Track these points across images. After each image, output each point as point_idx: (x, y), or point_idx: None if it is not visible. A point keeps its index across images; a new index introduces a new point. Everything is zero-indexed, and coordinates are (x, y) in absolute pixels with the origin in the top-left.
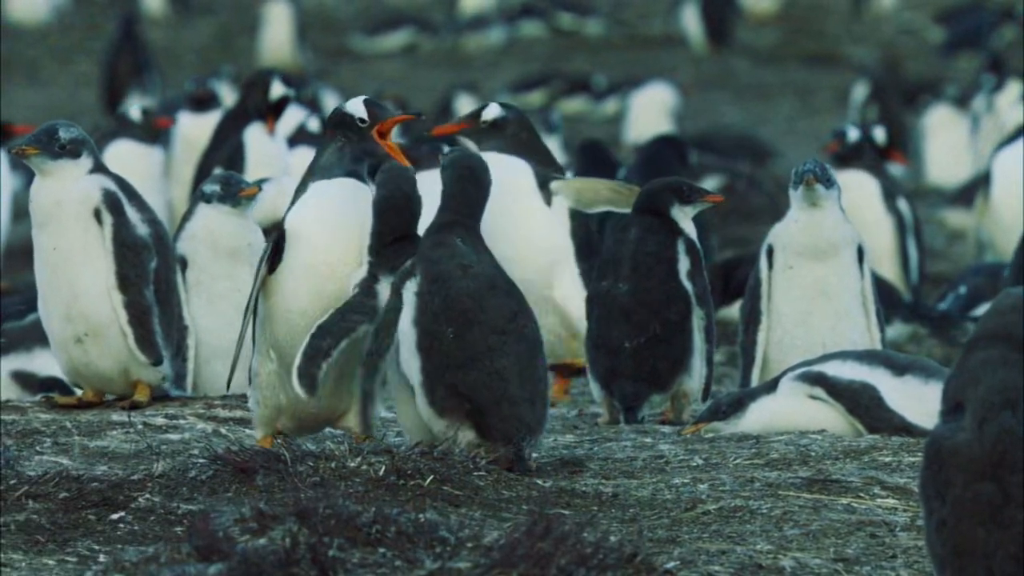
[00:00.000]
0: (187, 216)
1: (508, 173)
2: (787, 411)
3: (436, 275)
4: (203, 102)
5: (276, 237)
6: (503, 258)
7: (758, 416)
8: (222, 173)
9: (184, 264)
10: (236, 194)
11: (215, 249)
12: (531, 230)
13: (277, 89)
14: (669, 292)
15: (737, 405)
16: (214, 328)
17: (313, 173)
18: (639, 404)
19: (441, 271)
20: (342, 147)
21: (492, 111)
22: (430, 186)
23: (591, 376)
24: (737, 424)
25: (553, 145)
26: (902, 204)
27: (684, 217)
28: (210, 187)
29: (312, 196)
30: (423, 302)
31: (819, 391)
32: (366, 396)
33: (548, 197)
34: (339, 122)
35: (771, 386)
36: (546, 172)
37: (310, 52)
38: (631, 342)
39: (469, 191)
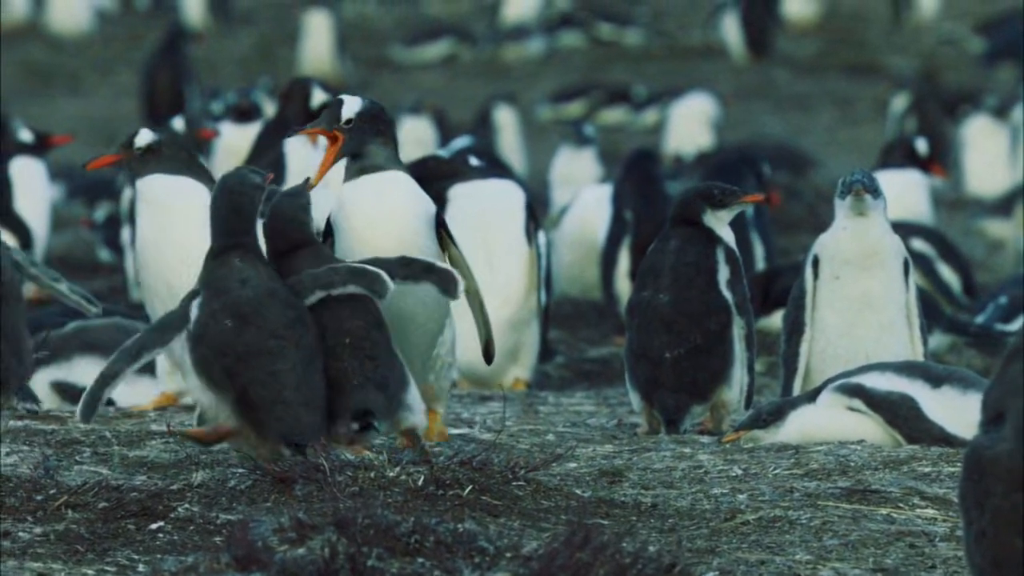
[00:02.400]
0: None
1: (179, 194)
2: (826, 422)
3: (217, 289)
4: (245, 113)
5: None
6: (166, 279)
7: (798, 426)
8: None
9: None
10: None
11: None
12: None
13: (318, 96)
14: (709, 302)
15: (777, 414)
16: None
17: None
18: (681, 416)
19: (222, 286)
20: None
21: (144, 137)
22: (464, 197)
23: (631, 386)
24: (777, 433)
25: (588, 157)
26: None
27: (719, 222)
28: None
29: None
30: (203, 310)
31: (858, 402)
32: (103, 378)
33: None
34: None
35: (811, 396)
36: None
37: (350, 62)
38: (671, 353)
39: (235, 205)
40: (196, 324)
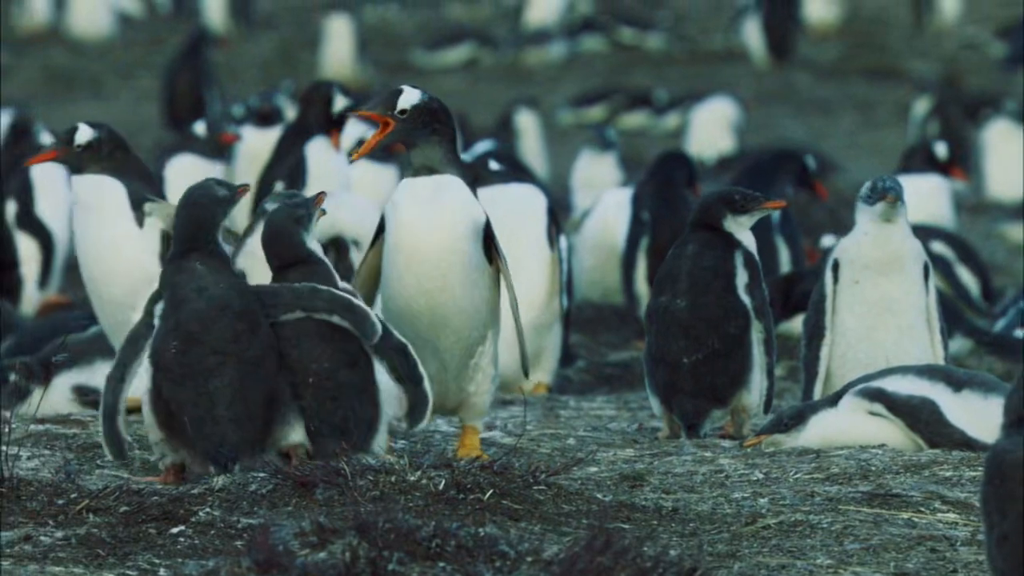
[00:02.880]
0: (247, 232)
1: (100, 194)
2: (848, 426)
3: (175, 298)
4: (267, 117)
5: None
6: (91, 278)
7: (819, 430)
8: (283, 192)
9: None
10: None
11: None
12: (119, 250)
13: (340, 102)
14: (727, 306)
15: (799, 418)
16: None
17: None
18: (700, 420)
19: (179, 295)
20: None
21: (84, 134)
22: (485, 202)
23: (650, 391)
24: (798, 437)
25: (610, 161)
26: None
27: (740, 228)
28: (271, 204)
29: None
30: (162, 323)
31: (879, 407)
32: (108, 414)
33: (140, 218)
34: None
35: (832, 400)
36: (141, 193)
37: (371, 66)
38: (690, 358)
39: (195, 217)
40: (152, 344)
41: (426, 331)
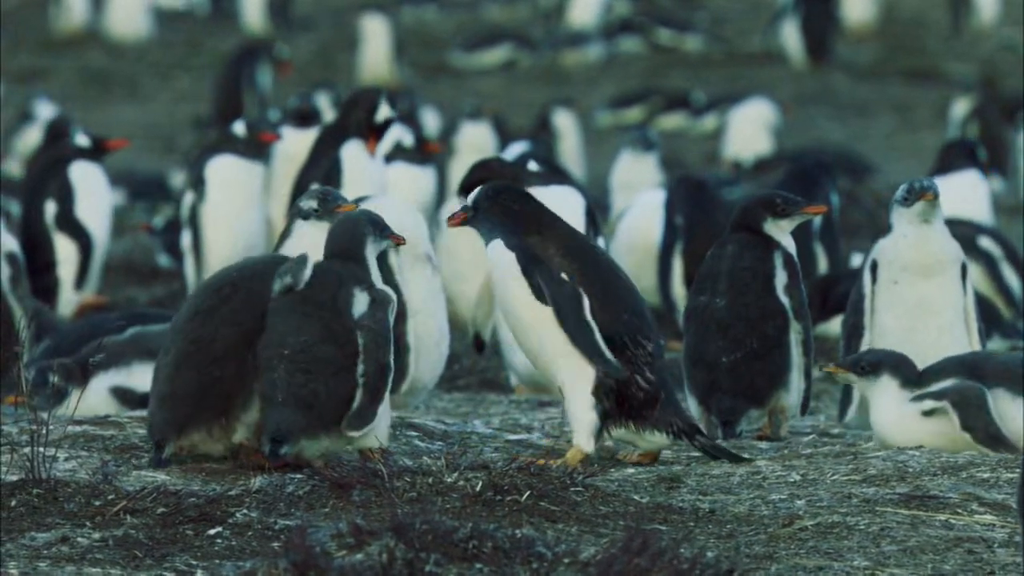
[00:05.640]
0: (285, 234)
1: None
2: (908, 418)
3: None
4: (305, 118)
5: None
6: None
7: (884, 393)
8: (319, 189)
9: None
10: (333, 210)
11: None
12: None
13: (384, 111)
14: (766, 307)
15: (875, 370)
16: None
17: None
18: (736, 419)
19: None
20: None
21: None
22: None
23: (688, 392)
24: (866, 387)
25: (650, 162)
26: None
27: (780, 232)
28: (307, 203)
29: None
30: None
31: (946, 405)
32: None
33: None
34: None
35: (911, 376)
36: None
37: (408, 67)
38: (728, 357)
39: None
40: None
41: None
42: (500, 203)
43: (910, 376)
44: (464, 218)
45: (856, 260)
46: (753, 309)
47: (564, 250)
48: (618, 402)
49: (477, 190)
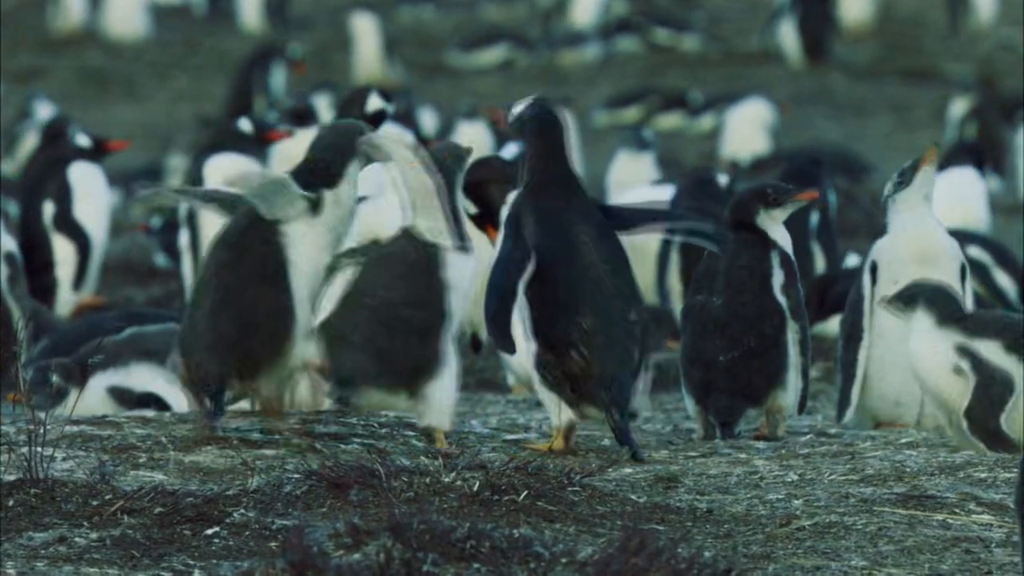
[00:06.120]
0: None
1: None
2: (930, 359)
3: None
4: (302, 117)
5: None
6: None
7: (919, 326)
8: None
9: None
10: None
11: None
12: None
13: (374, 102)
14: (763, 306)
15: (911, 302)
16: None
17: None
18: (735, 419)
19: None
20: None
21: None
22: None
23: (685, 391)
24: (902, 312)
25: (646, 161)
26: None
27: (774, 223)
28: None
29: None
30: None
31: (966, 363)
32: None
33: None
34: None
35: (955, 315)
36: None
37: (400, 66)
38: (725, 356)
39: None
40: None
41: None
42: (543, 132)
43: (948, 313)
44: (508, 122)
45: (851, 260)
46: (750, 308)
47: (548, 213)
48: (560, 378)
49: (524, 107)
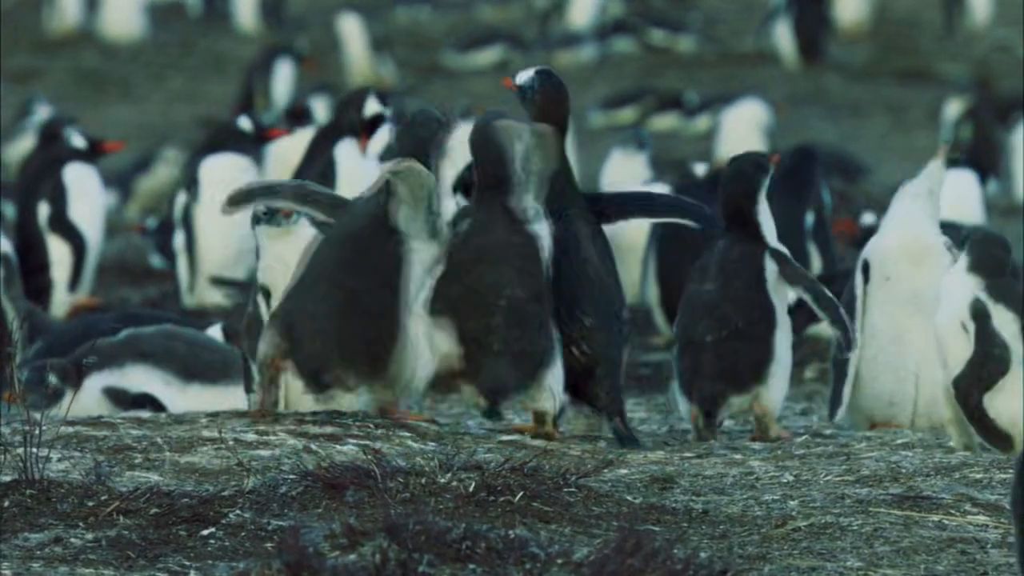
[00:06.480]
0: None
1: None
2: (955, 306)
3: None
4: (299, 117)
5: None
6: None
7: (954, 269)
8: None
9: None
10: (282, 215)
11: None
12: None
13: (371, 106)
14: (753, 298)
15: (965, 240)
16: None
17: None
18: (718, 407)
19: None
20: None
21: None
22: None
23: (678, 390)
24: (955, 259)
25: (641, 161)
26: None
27: (763, 210)
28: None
29: None
30: None
31: (972, 326)
32: None
33: None
34: None
35: (993, 266)
36: None
37: (391, 65)
38: (713, 336)
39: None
40: None
41: None
42: (548, 102)
43: (985, 262)
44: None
45: (868, 219)
46: (741, 294)
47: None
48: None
49: (531, 75)
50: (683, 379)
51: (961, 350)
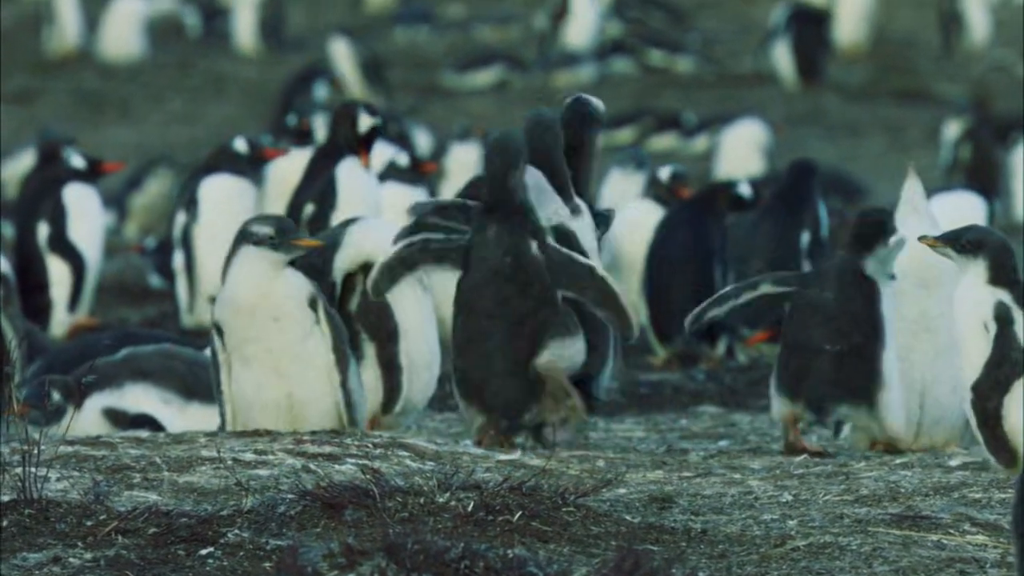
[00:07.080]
0: (230, 255)
1: None
2: (971, 311)
3: None
4: (302, 136)
5: None
6: None
7: (970, 274)
8: (276, 217)
9: None
10: (289, 243)
11: None
12: None
13: (365, 120)
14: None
15: (975, 250)
16: None
17: None
18: (827, 412)
19: None
20: None
21: None
22: None
23: (775, 389)
24: (963, 264)
25: (639, 181)
26: None
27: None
28: (262, 229)
29: None
30: None
31: (994, 327)
32: None
33: None
34: None
35: (1006, 274)
36: None
37: (383, 87)
38: (832, 346)
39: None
40: None
41: None
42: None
43: (1004, 273)
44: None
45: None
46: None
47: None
48: None
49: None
50: (788, 385)
51: (979, 354)
